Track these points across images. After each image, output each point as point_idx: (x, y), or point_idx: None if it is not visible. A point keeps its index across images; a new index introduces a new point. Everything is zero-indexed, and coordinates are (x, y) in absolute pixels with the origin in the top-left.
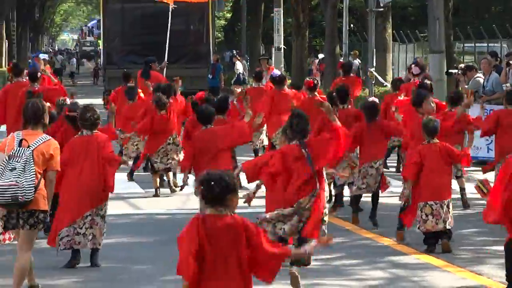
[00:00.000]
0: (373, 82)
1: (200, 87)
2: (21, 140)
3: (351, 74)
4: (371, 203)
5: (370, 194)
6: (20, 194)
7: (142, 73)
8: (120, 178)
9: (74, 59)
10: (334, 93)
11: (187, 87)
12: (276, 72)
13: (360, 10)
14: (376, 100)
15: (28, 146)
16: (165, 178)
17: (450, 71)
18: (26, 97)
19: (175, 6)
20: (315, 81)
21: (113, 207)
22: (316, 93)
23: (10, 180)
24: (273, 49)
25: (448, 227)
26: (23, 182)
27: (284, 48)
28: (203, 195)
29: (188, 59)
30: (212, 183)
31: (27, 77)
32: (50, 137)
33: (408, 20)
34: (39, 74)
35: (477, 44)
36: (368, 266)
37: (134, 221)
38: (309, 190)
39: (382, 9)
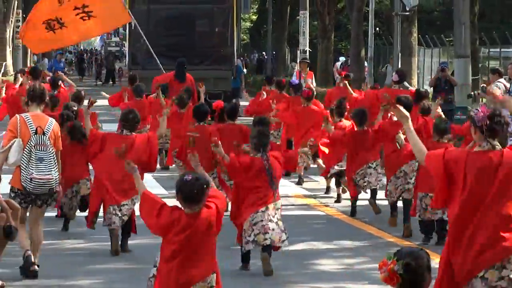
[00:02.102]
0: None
1: (224, 88)
2: (36, 128)
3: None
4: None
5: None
6: (55, 186)
7: (176, 75)
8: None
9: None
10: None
11: (210, 88)
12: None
13: (386, 14)
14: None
15: (43, 133)
16: None
17: (470, 94)
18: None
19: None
20: (312, 92)
21: (137, 209)
22: (311, 103)
23: (45, 173)
24: (298, 51)
25: (446, 218)
26: (55, 174)
27: (309, 50)
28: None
29: (212, 61)
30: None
31: (48, 82)
32: (53, 119)
33: (433, 24)
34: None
35: (502, 49)
36: None
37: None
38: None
39: (408, 13)
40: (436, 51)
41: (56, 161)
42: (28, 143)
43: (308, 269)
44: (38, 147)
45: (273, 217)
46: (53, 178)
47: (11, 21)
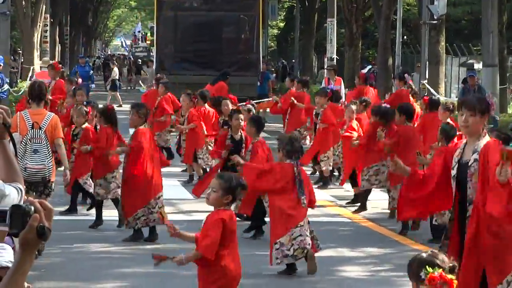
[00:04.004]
0: (426, 94)
1: (250, 94)
2: (32, 124)
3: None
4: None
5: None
6: (47, 175)
7: (213, 81)
8: (169, 184)
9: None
10: None
11: (236, 94)
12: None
13: (414, 22)
14: None
15: (40, 128)
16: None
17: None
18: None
19: None
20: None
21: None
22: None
23: (38, 163)
24: (326, 59)
25: None
26: (48, 164)
27: (336, 58)
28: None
29: (238, 67)
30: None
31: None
32: (52, 113)
33: (461, 33)
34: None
35: None
36: None
37: (183, 227)
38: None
39: (436, 22)
40: (463, 60)
41: (50, 153)
42: (25, 136)
43: (333, 276)
44: (33, 140)
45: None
46: (45, 168)
47: (39, 25)
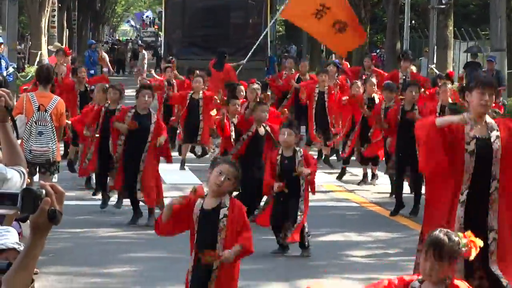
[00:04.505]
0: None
1: (258, 79)
2: (38, 106)
3: None
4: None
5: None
6: (51, 156)
7: (215, 64)
8: (175, 169)
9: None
10: None
11: (244, 79)
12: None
13: (422, 7)
14: None
15: (45, 110)
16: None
17: None
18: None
19: None
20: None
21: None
22: None
23: (42, 145)
24: None
25: None
26: (52, 146)
27: None
28: None
29: (246, 52)
30: None
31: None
32: (59, 98)
33: (469, 17)
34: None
35: None
36: None
37: None
38: None
39: (444, 6)
40: (471, 44)
41: (55, 135)
42: (31, 119)
43: (340, 260)
44: (39, 122)
45: None
46: (49, 150)
47: (47, 10)
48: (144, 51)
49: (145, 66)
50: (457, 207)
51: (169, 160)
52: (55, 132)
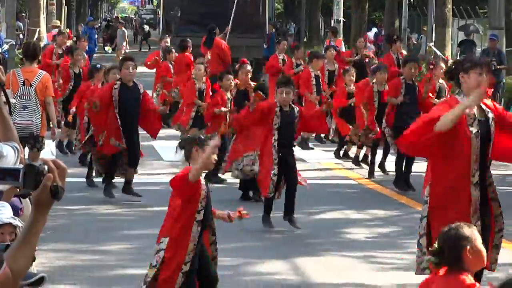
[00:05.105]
0: (432, 56)
1: (256, 56)
2: (24, 81)
3: None
4: None
5: None
6: (34, 130)
7: (205, 42)
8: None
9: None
10: None
11: (243, 56)
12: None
13: None
14: None
15: (30, 85)
16: None
17: None
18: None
19: None
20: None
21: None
22: None
23: (26, 119)
24: (332, 21)
25: None
26: (36, 120)
27: (343, 20)
28: None
29: (245, 29)
30: None
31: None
32: (44, 72)
33: None
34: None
35: None
36: None
37: None
38: None
39: None
40: (470, 22)
41: (39, 110)
42: (16, 93)
43: (339, 238)
44: (23, 97)
45: None
46: (33, 124)
47: None
48: (123, 28)
49: (125, 42)
50: (470, 188)
51: (154, 136)
52: (39, 106)
